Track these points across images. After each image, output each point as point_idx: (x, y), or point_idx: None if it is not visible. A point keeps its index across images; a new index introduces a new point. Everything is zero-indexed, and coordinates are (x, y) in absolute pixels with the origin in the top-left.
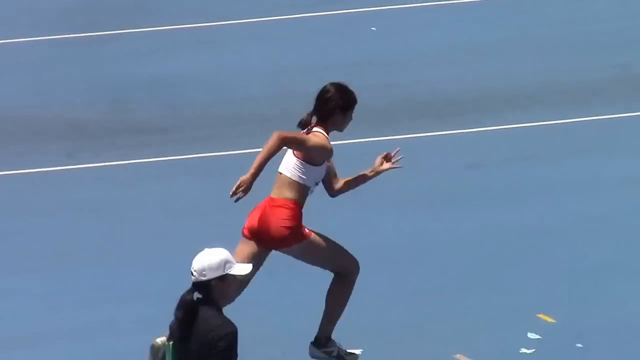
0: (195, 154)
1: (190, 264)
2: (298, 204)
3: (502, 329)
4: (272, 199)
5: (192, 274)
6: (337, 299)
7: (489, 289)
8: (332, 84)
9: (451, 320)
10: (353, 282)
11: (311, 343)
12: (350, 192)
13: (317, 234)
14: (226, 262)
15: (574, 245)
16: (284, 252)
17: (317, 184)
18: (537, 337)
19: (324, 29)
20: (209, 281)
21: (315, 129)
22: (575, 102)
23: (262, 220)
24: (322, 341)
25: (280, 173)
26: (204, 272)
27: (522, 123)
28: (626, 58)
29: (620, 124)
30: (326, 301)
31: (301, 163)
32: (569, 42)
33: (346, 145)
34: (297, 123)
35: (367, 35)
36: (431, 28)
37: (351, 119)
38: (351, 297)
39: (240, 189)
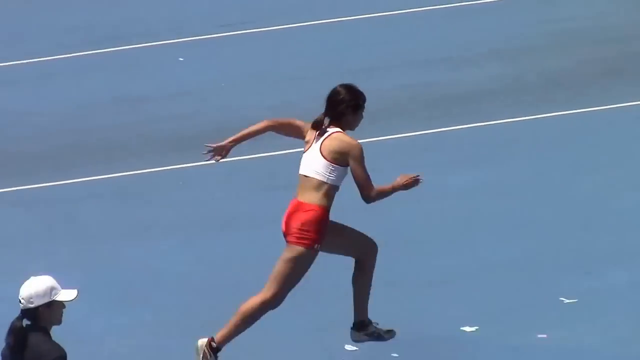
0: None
1: (18, 292)
2: (326, 209)
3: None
4: (300, 204)
5: (20, 301)
6: (362, 284)
7: (305, 300)
8: (342, 85)
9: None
10: (373, 265)
11: (351, 328)
12: None
13: (334, 223)
14: (52, 289)
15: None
16: None
17: None
18: (354, 348)
19: (125, 63)
20: (36, 308)
21: (331, 129)
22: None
23: (288, 224)
24: (361, 324)
25: (306, 176)
26: (31, 300)
27: None
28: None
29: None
30: (353, 287)
31: (330, 164)
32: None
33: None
34: (311, 124)
35: (176, 65)
36: (238, 58)
37: (362, 117)
38: None
39: (216, 154)
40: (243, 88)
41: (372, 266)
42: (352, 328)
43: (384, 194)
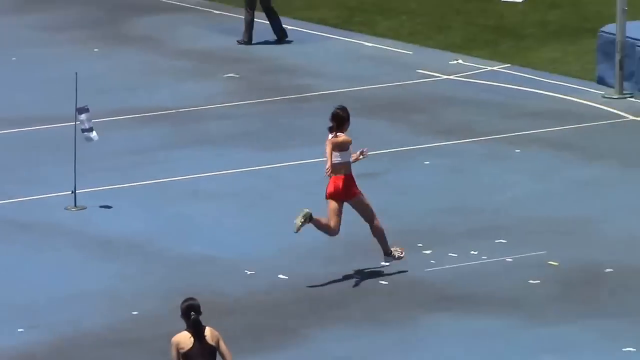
0: None
1: None
2: (349, 175)
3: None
4: (337, 177)
5: None
6: (376, 235)
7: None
8: (340, 108)
9: None
10: (379, 224)
11: (383, 256)
12: None
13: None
14: None
15: None
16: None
17: None
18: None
19: None
20: None
21: (339, 133)
22: None
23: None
24: (387, 253)
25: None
26: None
27: None
28: None
29: None
30: (374, 237)
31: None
32: None
33: None
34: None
35: None
36: None
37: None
38: None
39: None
40: None
41: (378, 225)
42: (383, 256)
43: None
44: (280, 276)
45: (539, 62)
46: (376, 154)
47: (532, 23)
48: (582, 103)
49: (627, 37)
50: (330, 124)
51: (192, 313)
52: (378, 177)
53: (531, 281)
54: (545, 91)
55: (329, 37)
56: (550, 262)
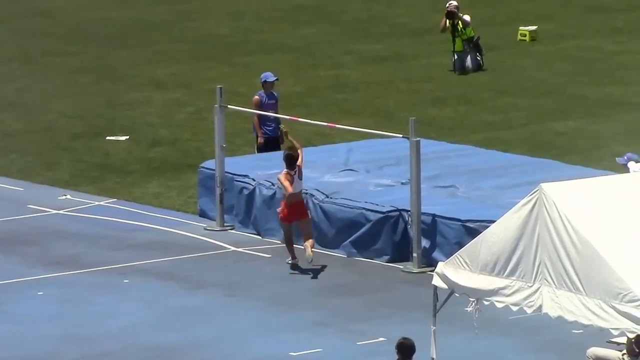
0: None
1: None
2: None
3: None
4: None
5: None
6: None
7: None
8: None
9: None
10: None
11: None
12: None
13: None
14: None
15: None
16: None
17: None
18: None
19: None
20: None
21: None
22: None
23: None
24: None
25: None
26: None
27: None
28: None
29: None
30: None
31: None
32: None
33: None
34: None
35: None
36: None
37: None
38: None
39: None
40: None
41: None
42: None
43: None
44: None
45: (144, 196)
46: None
47: (136, 160)
48: (186, 235)
49: (227, 172)
50: None
51: None
52: None
53: None
54: (151, 224)
55: None
56: None
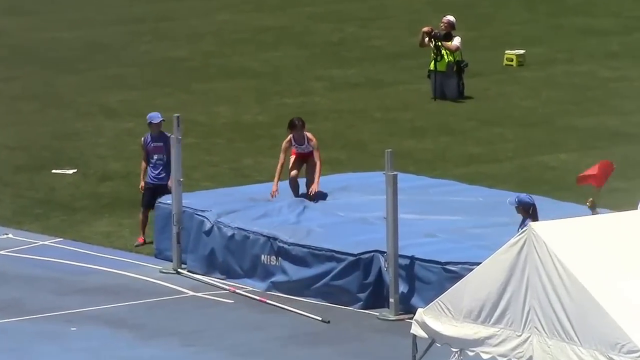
0: None
1: None
2: None
3: None
4: None
5: None
6: None
7: None
8: (298, 119)
9: None
10: None
11: None
12: None
13: None
14: None
15: None
16: None
17: None
18: None
19: None
20: None
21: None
22: None
23: None
24: None
25: None
26: None
27: None
28: None
29: None
30: None
31: None
32: None
33: None
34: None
35: None
36: None
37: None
38: None
39: None
40: None
41: None
42: None
43: None
44: None
45: (94, 236)
46: None
47: (84, 195)
48: (140, 278)
49: (185, 207)
50: None
51: None
52: None
53: None
54: (101, 266)
55: None
56: None
